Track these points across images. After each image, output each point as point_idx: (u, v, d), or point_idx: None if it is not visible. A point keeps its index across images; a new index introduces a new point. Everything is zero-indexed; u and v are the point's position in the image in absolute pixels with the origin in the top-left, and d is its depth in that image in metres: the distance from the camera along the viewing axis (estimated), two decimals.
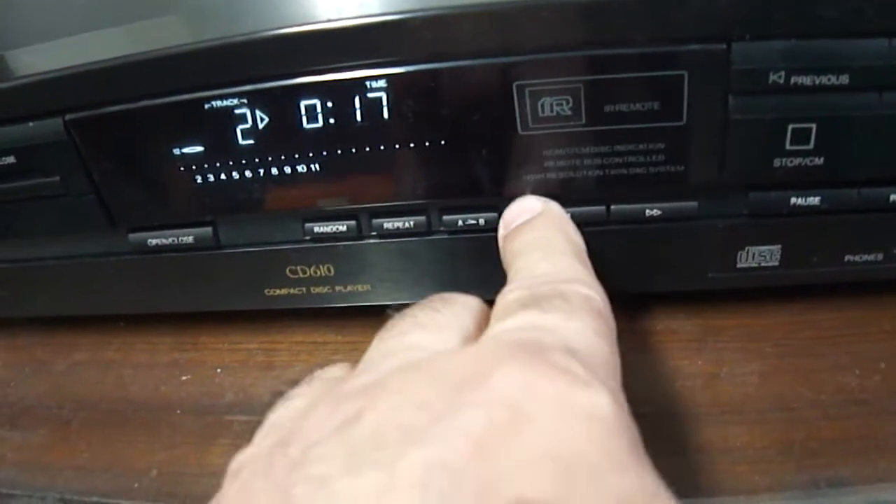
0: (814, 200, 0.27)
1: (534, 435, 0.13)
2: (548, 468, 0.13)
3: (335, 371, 0.22)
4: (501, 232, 0.25)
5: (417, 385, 0.15)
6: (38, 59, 0.29)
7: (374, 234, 0.28)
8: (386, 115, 0.25)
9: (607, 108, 0.25)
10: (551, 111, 0.25)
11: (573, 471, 0.13)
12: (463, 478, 0.12)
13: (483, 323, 0.20)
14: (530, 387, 0.14)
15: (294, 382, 0.22)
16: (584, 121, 0.25)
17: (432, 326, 0.19)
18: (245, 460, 0.15)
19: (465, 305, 0.20)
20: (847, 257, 0.28)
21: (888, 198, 0.27)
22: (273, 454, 0.15)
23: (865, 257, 0.28)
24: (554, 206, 0.25)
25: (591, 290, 0.19)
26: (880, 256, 0.28)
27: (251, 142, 0.27)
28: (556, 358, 0.15)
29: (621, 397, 0.16)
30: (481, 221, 0.27)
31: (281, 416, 0.20)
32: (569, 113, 0.25)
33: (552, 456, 0.13)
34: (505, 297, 0.20)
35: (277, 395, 0.22)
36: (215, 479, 0.27)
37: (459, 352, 0.17)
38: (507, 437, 0.13)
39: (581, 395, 0.14)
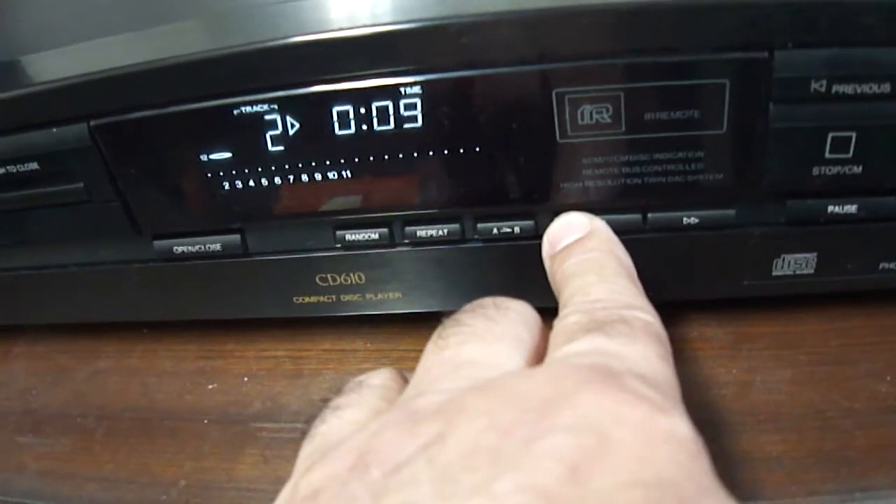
0: (851, 208, 0.27)
1: (624, 460, 0.13)
2: (640, 494, 0.13)
3: (381, 378, 0.21)
4: (547, 250, 0.24)
5: (497, 407, 0.15)
6: (61, 63, 0.28)
7: (406, 241, 0.28)
8: (420, 122, 0.25)
9: (647, 116, 0.24)
10: (591, 119, 0.24)
11: (664, 497, 0.13)
12: (559, 502, 0.12)
13: (538, 335, 0.20)
14: (615, 412, 0.14)
15: (337, 390, 0.22)
16: (623, 129, 0.24)
17: (489, 337, 0.19)
18: (321, 483, 0.15)
19: (519, 314, 0.20)
20: (882, 265, 0.28)
21: None
22: (353, 477, 0.14)
23: None
24: (601, 225, 0.24)
25: (649, 315, 0.19)
26: None
27: (281, 148, 0.26)
28: (632, 384, 0.15)
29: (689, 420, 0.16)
30: (517, 229, 0.27)
31: (334, 428, 0.19)
32: (608, 121, 0.24)
33: (643, 482, 0.13)
34: (564, 321, 0.19)
35: (323, 401, 0.21)
36: (244, 492, 0.27)
37: (531, 373, 0.17)
38: (598, 462, 0.13)
39: (662, 421, 0.14)
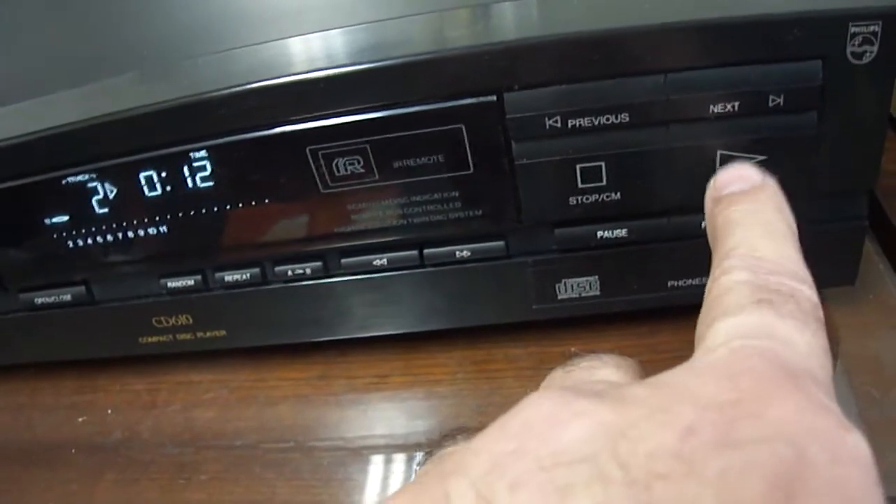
0: (621, 232, 0.28)
1: (823, 484, 0.12)
2: None
3: None
4: (711, 193, 0.22)
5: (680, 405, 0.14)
6: None
7: (219, 286, 0.30)
8: (212, 181, 0.28)
9: (396, 164, 0.26)
10: (346, 170, 0.27)
11: None
12: None
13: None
14: (805, 423, 0.13)
15: None
16: (377, 176, 0.27)
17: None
18: None
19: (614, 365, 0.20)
20: (670, 283, 0.29)
21: (700, 224, 0.27)
22: None
23: (690, 282, 0.29)
24: (773, 183, 0.21)
25: (815, 295, 0.17)
26: (706, 280, 0.29)
27: (106, 210, 0.30)
28: (811, 389, 0.14)
29: None
30: (307, 271, 0.29)
31: None
32: (362, 171, 0.26)
33: None
34: (729, 277, 0.17)
35: None
36: None
37: (696, 368, 0.15)
38: (793, 483, 0.12)
39: (848, 439, 0.13)
